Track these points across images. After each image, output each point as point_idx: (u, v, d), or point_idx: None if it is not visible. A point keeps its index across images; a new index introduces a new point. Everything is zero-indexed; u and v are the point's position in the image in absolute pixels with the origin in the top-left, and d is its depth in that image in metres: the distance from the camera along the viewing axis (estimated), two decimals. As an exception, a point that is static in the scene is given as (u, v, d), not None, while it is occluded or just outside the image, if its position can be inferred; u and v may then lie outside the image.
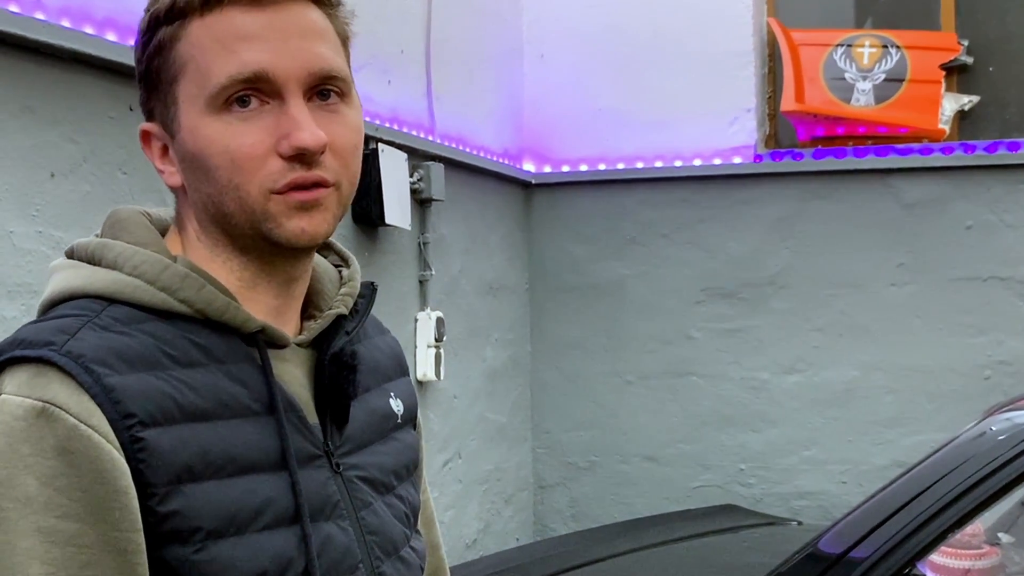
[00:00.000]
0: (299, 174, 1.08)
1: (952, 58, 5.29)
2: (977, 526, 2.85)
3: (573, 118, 5.58)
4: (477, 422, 5.04)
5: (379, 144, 4.08)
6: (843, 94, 5.27)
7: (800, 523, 4.12)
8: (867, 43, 5.29)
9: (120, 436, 1.00)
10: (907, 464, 2.90)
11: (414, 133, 4.45)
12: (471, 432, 4.98)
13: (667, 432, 5.41)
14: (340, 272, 1.27)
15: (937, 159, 5.05)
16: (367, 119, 4.05)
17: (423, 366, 4.45)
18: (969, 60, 5.37)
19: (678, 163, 5.42)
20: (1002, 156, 4.97)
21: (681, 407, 5.40)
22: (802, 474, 5.23)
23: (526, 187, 5.57)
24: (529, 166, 5.59)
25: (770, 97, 5.52)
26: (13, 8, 2.61)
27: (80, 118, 2.81)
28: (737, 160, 5.35)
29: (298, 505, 1.09)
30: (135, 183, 2.93)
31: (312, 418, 1.15)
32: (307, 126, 1.07)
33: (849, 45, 5.29)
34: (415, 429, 1.36)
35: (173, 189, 1.16)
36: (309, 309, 1.22)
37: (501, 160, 5.30)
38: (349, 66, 1.16)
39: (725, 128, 5.38)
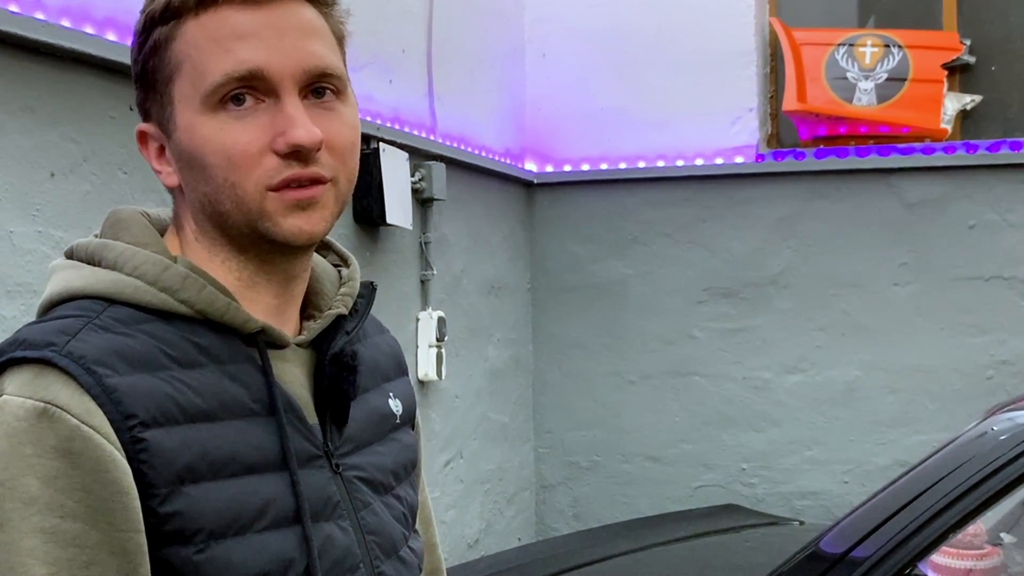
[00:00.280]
0: (295, 170, 1.08)
1: (954, 57, 5.28)
2: (979, 526, 2.84)
3: (575, 117, 5.57)
4: (479, 422, 5.04)
5: (380, 144, 4.07)
6: (845, 93, 5.26)
7: (802, 523, 4.12)
8: (869, 42, 5.29)
9: (121, 437, 1.00)
10: (909, 464, 2.90)
11: (415, 133, 4.45)
12: (473, 432, 4.98)
13: (669, 432, 5.41)
14: (339, 272, 1.27)
15: (939, 159, 5.05)
16: (368, 119, 4.07)
17: (424, 366, 4.45)
18: (971, 59, 5.36)
19: (680, 163, 5.42)
20: (1005, 155, 4.96)
21: (683, 407, 5.39)
22: (804, 474, 5.22)
23: (528, 186, 5.57)
24: (531, 165, 5.59)
25: (772, 97, 5.51)
26: (13, 8, 2.60)
27: (80, 118, 2.81)
28: (739, 160, 5.34)
29: (299, 505, 1.09)
30: (135, 183, 2.93)
31: (312, 418, 1.16)
32: (303, 123, 1.07)
33: (851, 44, 5.28)
34: (413, 429, 1.36)
35: (170, 189, 1.16)
36: (308, 309, 1.22)
37: (503, 159, 5.30)
38: (345, 64, 1.16)
39: (727, 128, 5.37)
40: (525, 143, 5.57)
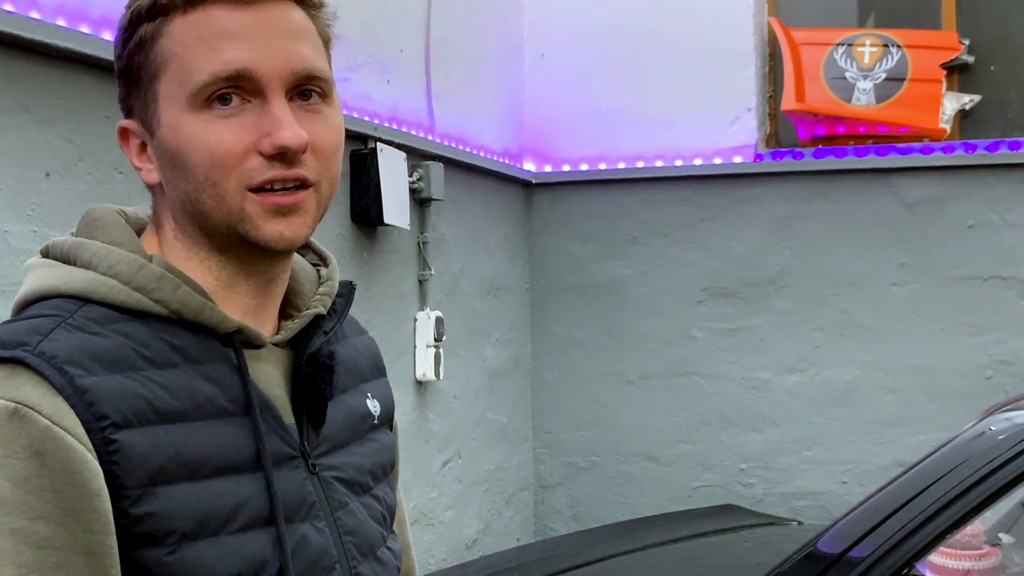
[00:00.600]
0: (279, 171, 1.08)
1: (953, 57, 5.28)
2: (977, 526, 2.84)
3: (574, 117, 5.57)
4: (477, 422, 5.03)
5: (378, 143, 4.07)
6: (844, 93, 5.26)
7: (801, 523, 4.11)
8: (868, 42, 5.28)
9: (93, 438, 0.99)
10: (908, 464, 2.89)
11: (413, 132, 4.44)
12: (471, 432, 4.98)
13: (668, 432, 5.41)
14: (318, 271, 1.27)
15: (938, 158, 5.04)
16: (366, 118, 4.07)
17: (423, 366, 4.44)
18: (970, 59, 5.36)
19: (679, 162, 5.41)
20: (1003, 155, 4.96)
21: (682, 407, 5.39)
22: (803, 474, 5.22)
23: (526, 186, 5.56)
24: (530, 165, 5.58)
25: (771, 96, 5.51)
26: (8, 7, 2.60)
27: (76, 118, 2.80)
28: (738, 159, 5.34)
29: (273, 506, 1.08)
30: (131, 183, 2.93)
31: (288, 418, 1.15)
32: (289, 125, 1.07)
33: (850, 44, 5.28)
34: (391, 430, 1.36)
35: (150, 187, 1.16)
36: (287, 308, 1.22)
37: (501, 159, 5.29)
38: (331, 67, 1.16)
39: (726, 127, 5.37)
40: (524, 143, 5.57)
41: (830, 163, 5.17)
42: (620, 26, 5.47)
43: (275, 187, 1.08)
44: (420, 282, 4.52)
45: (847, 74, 5.26)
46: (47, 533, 0.97)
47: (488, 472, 5.14)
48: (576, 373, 5.54)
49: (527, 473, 5.58)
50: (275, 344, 1.17)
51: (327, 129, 1.12)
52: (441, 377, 4.52)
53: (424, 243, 4.51)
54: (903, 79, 5.22)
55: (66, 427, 0.98)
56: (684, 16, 5.40)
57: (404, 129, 4.37)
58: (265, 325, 1.17)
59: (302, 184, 1.09)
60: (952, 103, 5.27)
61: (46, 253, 1.14)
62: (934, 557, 2.74)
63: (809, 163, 5.21)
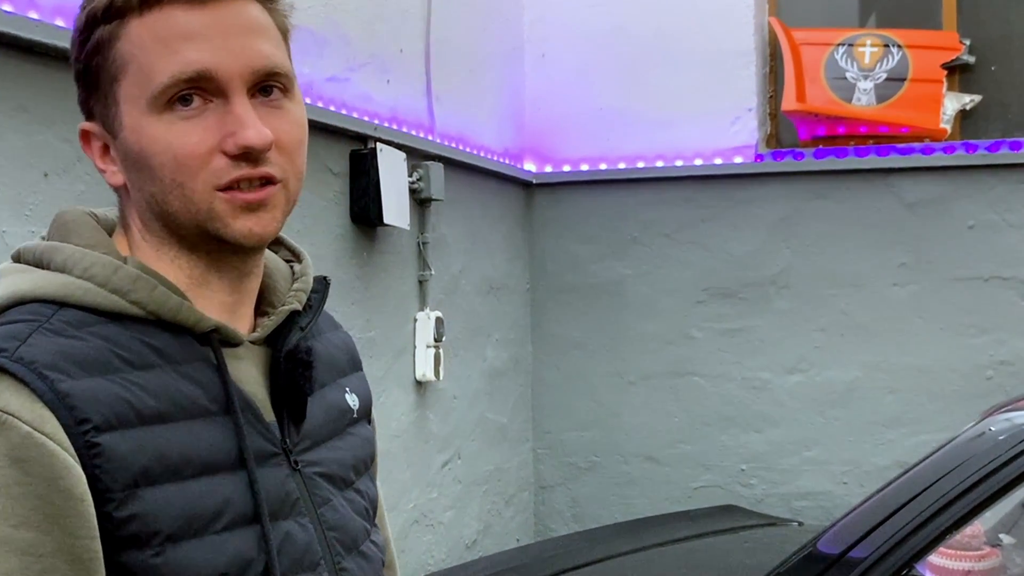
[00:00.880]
0: (245, 170, 1.07)
1: (954, 57, 5.27)
2: (977, 527, 2.83)
3: (574, 117, 5.57)
4: (477, 422, 5.03)
5: (378, 144, 4.07)
6: (844, 93, 5.25)
7: (801, 524, 4.11)
8: (868, 42, 5.28)
9: (75, 442, 0.99)
10: (909, 464, 2.89)
11: (413, 132, 4.44)
12: (471, 432, 4.97)
13: (668, 432, 5.40)
14: (292, 268, 1.27)
15: (939, 159, 5.04)
16: (366, 118, 4.06)
17: (422, 366, 4.44)
18: (971, 59, 5.35)
19: (679, 163, 5.41)
20: (1004, 155, 4.96)
21: (682, 407, 5.39)
22: (803, 474, 5.22)
23: (527, 187, 5.56)
24: (530, 166, 5.58)
25: (771, 97, 5.50)
26: (7, 7, 2.60)
27: (74, 118, 2.77)
28: (738, 160, 5.34)
29: (257, 504, 1.08)
30: (131, 183, 2.92)
31: (269, 416, 1.15)
32: (252, 124, 1.07)
33: (850, 44, 5.27)
34: (370, 423, 1.36)
35: (116, 188, 1.15)
36: (262, 305, 1.21)
37: (502, 160, 5.29)
38: (290, 59, 1.15)
39: (726, 128, 5.37)
40: (524, 143, 5.57)
41: (831, 163, 5.17)
42: (621, 26, 5.47)
43: (242, 185, 1.08)
44: (420, 282, 4.52)
45: (848, 74, 5.26)
46: (31, 539, 0.96)
47: (488, 472, 5.14)
48: (576, 373, 5.54)
49: (527, 473, 5.58)
50: (252, 342, 1.17)
51: (290, 124, 1.11)
52: (441, 377, 4.52)
53: (424, 243, 4.50)
54: (904, 79, 5.22)
55: (47, 433, 0.98)
56: (685, 16, 5.40)
57: (404, 129, 4.37)
58: (241, 322, 1.17)
59: (269, 181, 1.09)
60: (953, 103, 5.26)
61: (17, 258, 1.13)
62: (934, 558, 2.74)
63: (810, 163, 5.21)
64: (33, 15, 2.66)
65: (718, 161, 5.36)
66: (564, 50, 5.56)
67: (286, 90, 1.12)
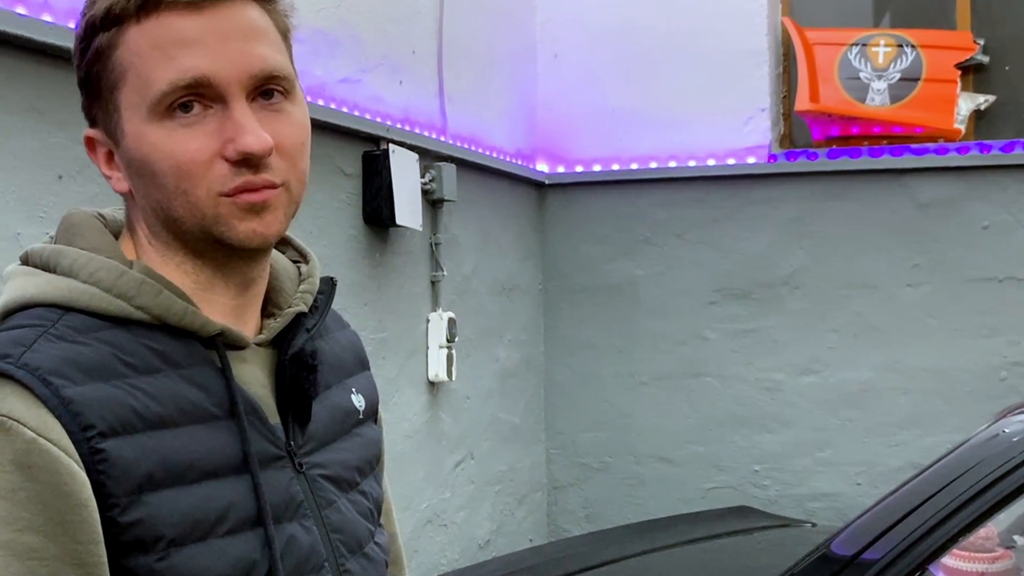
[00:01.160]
0: (247, 178, 1.07)
1: (968, 57, 5.25)
2: (991, 529, 2.83)
3: (587, 118, 5.56)
4: (490, 423, 5.03)
5: (390, 145, 4.07)
6: (858, 94, 5.24)
7: (814, 525, 4.10)
8: (882, 42, 5.26)
9: (79, 448, 0.99)
10: (922, 465, 2.88)
11: (426, 134, 4.44)
12: (484, 433, 4.97)
13: (681, 433, 5.40)
14: (299, 268, 1.26)
15: (953, 159, 5.02)
16: (378, 119, 4.06)
17: (435, 367, 4.44)
18: (985, 59, 5.33)
19: (692, 163, 5.40)
20: (1018, 156, 4.94)
21: (695, 408, 5.38)
22: (817, 475, 5.20)
23: (539, 187, 5.56)
24: (542, 166, 5.58)
25: (784, 97, 5.49)
26: (20, 10, 2.61)
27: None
28: (751, 160, 5.33)
29: (260, 508, 1.08)
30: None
31: (274, 418, 1.15)
32: (252, 130, 1.06)
33: (864, 44, 5.26)
34: (376, 423, 1.36)
35: (121, 194, 1.15)
36: (269, 307, 1.21)
37: (514, 160, 5.29)
38: (291, 59, 1.15)
39: (739, 128, 5.36)
40: (536, 144, 5.56)
41: (844, 164, 5.16)
42: (633, 26, 5.47)
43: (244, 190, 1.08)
44: (432, 283, 4.52)
45: (861, 74, 5.24)
46: (35, 545, 0.97)
47: (501, 473, 5.14)
48: (588, 374, 5.54)
49: (540, 474, 5.58)
50: (258, 344, 1.17)
51: (291, 127, 1.11)
52: (453, 378, 4.52)
53: (436, 244, 4.51)
54: (917, 79, 5.20)
55: (52, 439, 0.98)
56: (698, 16, 5.39)
57: (416, 130, 4.37)
58: (247, 325, 1.17)
59: (270, 187, 1.09)
60: (967, 103, 5.25)
61: (25, 260, 1.14)
62: (948, 559, 2.73)
63: (823, 164, 5.20)
64: (47, 18, 2.67)
65: (731, 161, 5.35)
66: (576, 50, 5.56)
67: (287, 92, 1.11)
